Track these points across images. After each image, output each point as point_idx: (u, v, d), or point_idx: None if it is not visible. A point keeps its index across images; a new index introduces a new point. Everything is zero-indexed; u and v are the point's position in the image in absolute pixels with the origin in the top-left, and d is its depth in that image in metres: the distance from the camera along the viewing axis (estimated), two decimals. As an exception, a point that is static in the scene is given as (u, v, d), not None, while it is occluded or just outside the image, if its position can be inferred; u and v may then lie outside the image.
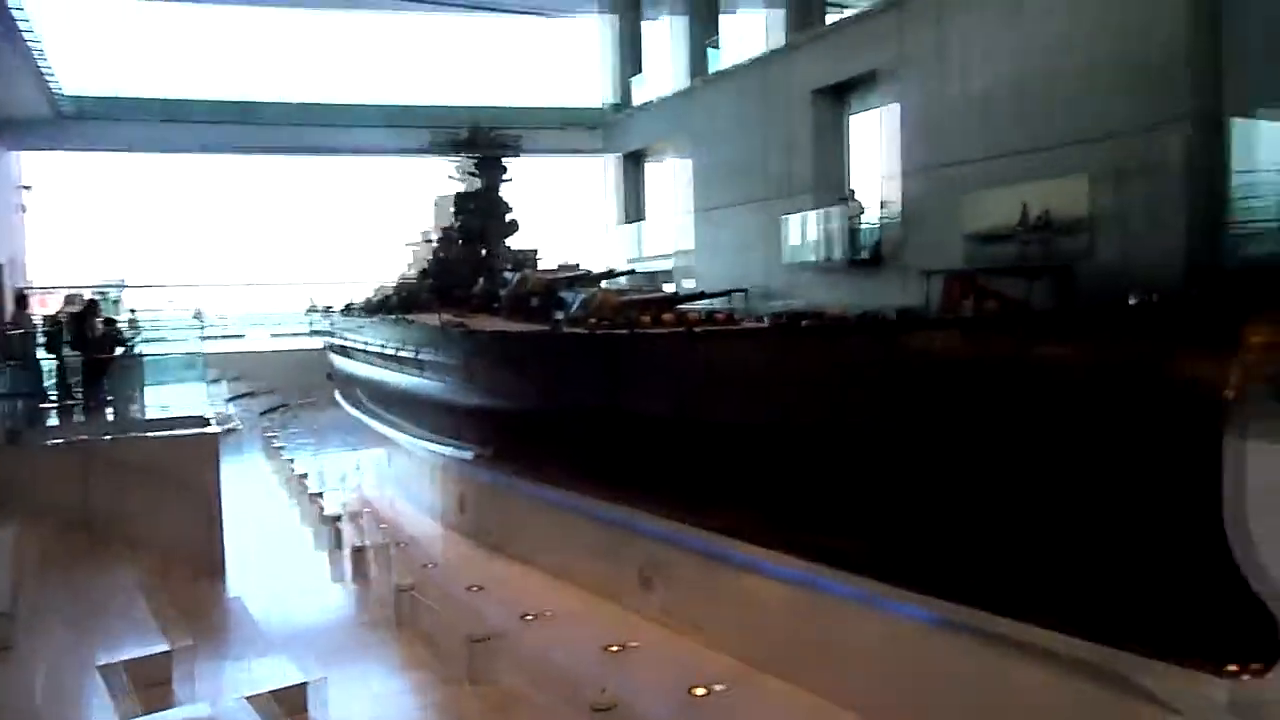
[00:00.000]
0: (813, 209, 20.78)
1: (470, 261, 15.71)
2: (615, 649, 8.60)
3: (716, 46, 26.33)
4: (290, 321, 30.48)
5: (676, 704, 7.58)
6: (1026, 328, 5.42)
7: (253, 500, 15.08)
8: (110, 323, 14.45)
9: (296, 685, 6.88)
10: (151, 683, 6.89)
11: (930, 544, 6.19)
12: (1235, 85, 13.26)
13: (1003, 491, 5.43)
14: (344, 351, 18.36)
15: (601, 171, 32.97)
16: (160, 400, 14.98)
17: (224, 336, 28.28)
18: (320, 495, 14.03)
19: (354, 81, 31.61)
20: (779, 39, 22.47)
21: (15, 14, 19.70)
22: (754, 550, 7.83)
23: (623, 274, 14.49)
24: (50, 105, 26.31)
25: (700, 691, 7.64)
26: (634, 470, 8.78)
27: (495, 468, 11.85)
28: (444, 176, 16.66)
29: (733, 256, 24.23)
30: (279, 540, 13.47)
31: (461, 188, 16.50)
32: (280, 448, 18.61)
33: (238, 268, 32.61)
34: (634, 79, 30.89)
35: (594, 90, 32.50)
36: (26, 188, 28.91)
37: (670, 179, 28.49)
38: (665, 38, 28.54)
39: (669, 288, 23.32)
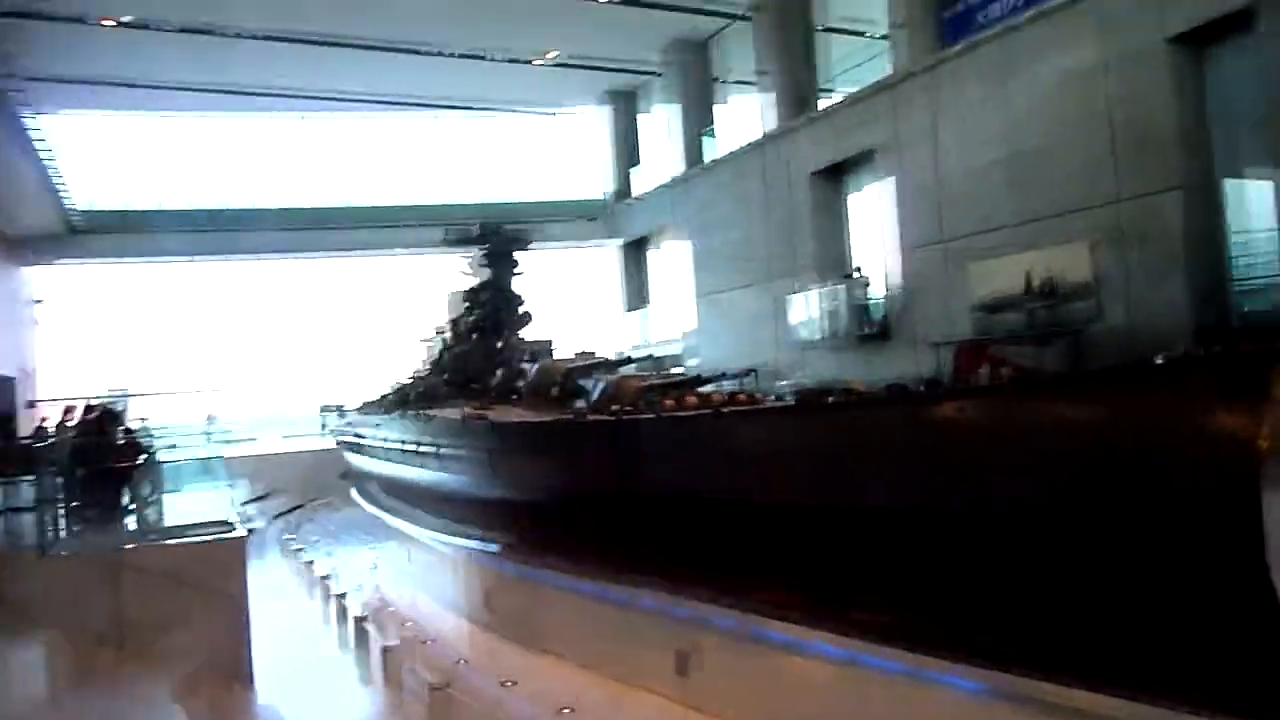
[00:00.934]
0: (817, 287, 21.11)
1: (486, 354, 15.91)
2: (657, 739, 8.45)
3: (712, 135, 27.10)
4: (301, 422, 30.63)
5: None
6: (1063, 390, 5.53)
7: (274, 603, 14.93)
8: (130, 430, 14.54)
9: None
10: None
11: (975, 611, 6.19)
12: (1225, 149, 13.68)
13: (1051, 554, 5.47)
14: (360, 449, 18.42)
15: (606, 260, 33.56)
16: (178, 507, 14.99)
17: (236, 440, 28.40)
18: (344, 595, 13.91)
19: (361, 183, 32.42)
20: (773, 123, 23.14)
21: (33, 133, 20.37)
22: (793, 629, 7.78)
23: (641, 359, 14.65)
24: (63, 220, 26.93)
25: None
26: (667, 553, 8.78)
27: (522, 559, 11.80)
28: (456, 272, 16.99)
29: (739, 337, 24.51)
30: (303, 643, 13.31)
31: (474, 282, 16.81)
32: (298, 549, 18.50)
33: (247, 372, 32.89)
34: (633, 169, 31.68)
35: (596, 181, 33.29)
36: (38, 301, 29.38)
37: (673, 264, 28.97)
38: (662, 128, 29.40)
39: (676, 371, 23.52)
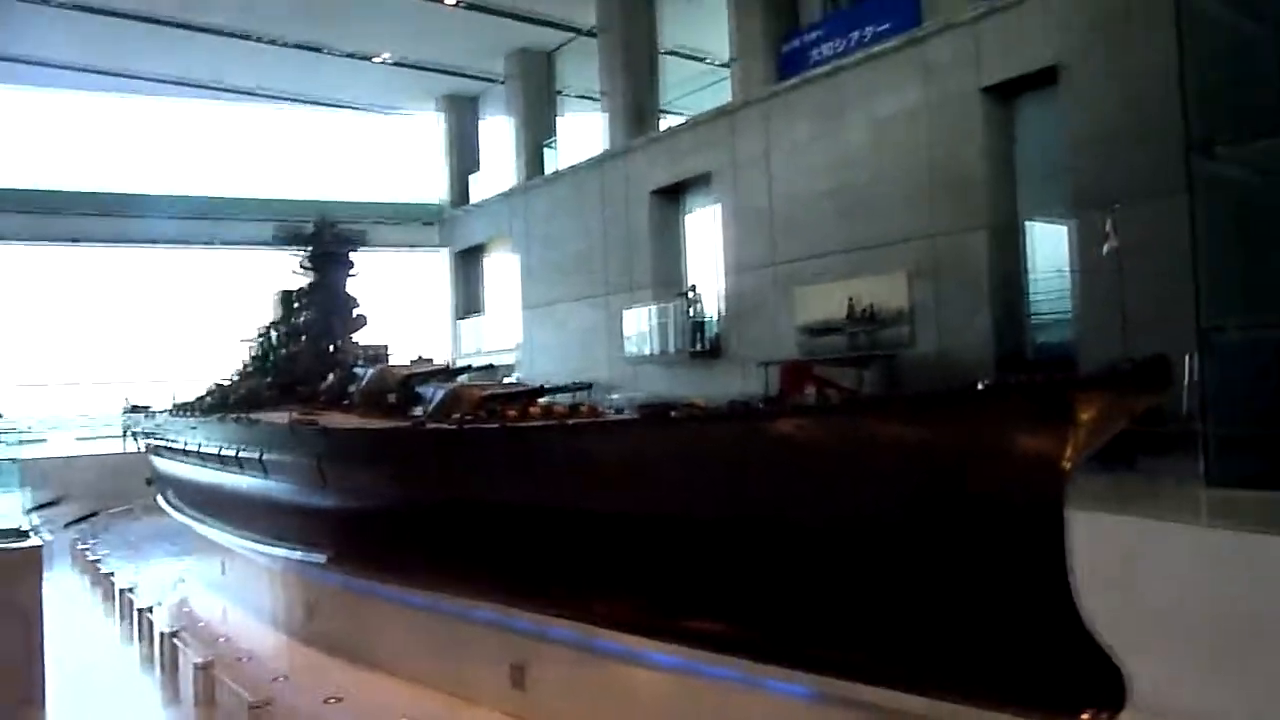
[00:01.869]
0: (652, 303, 21.56)
1: (317, 357, 15.30)
2: (491, 753, 8.39)
3: (554, 146, 27.22)
4: (99, 422, 28.40)
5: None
6: (895, 409, 5.93)
7: (67, 618, 13.79)
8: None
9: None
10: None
11: (804, 621, 6.51)
12: (1028, 193, 15.01)
13: (873, 565, 5.84)
14: (171, 453, 17.28)
15: (438, 266, 32.97)
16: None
17: (22, 441, 26.05)
18: (149, 610, 13.01)
19: (186, 171, 30.51)
20: (614, 140, 23.50)
21: None
22: (631, 640, 7.90)
23: (482, 368, 14.47)
24: None
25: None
26: (506, 565, 8.73)
27: (350, 570, 11.41)
28: (286, 271, 16.26)
29: (572, 350, 24.69)
30: (102, 661, 12.37)
31: (304, 281, 16.15)
32: (95, 560, 17.15)
33: (37, 366, 30.21)
34: (471, 175, 31.34)
35: (433, 186, 32.69)
36: None
37: (509, 274, 28.83)
38: (502, 136, 29.26)
39: (508, 380, 23.37)
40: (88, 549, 18.52)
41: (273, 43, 26.20)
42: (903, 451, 5.66)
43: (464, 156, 31.80)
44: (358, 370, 13.50)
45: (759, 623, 6.80)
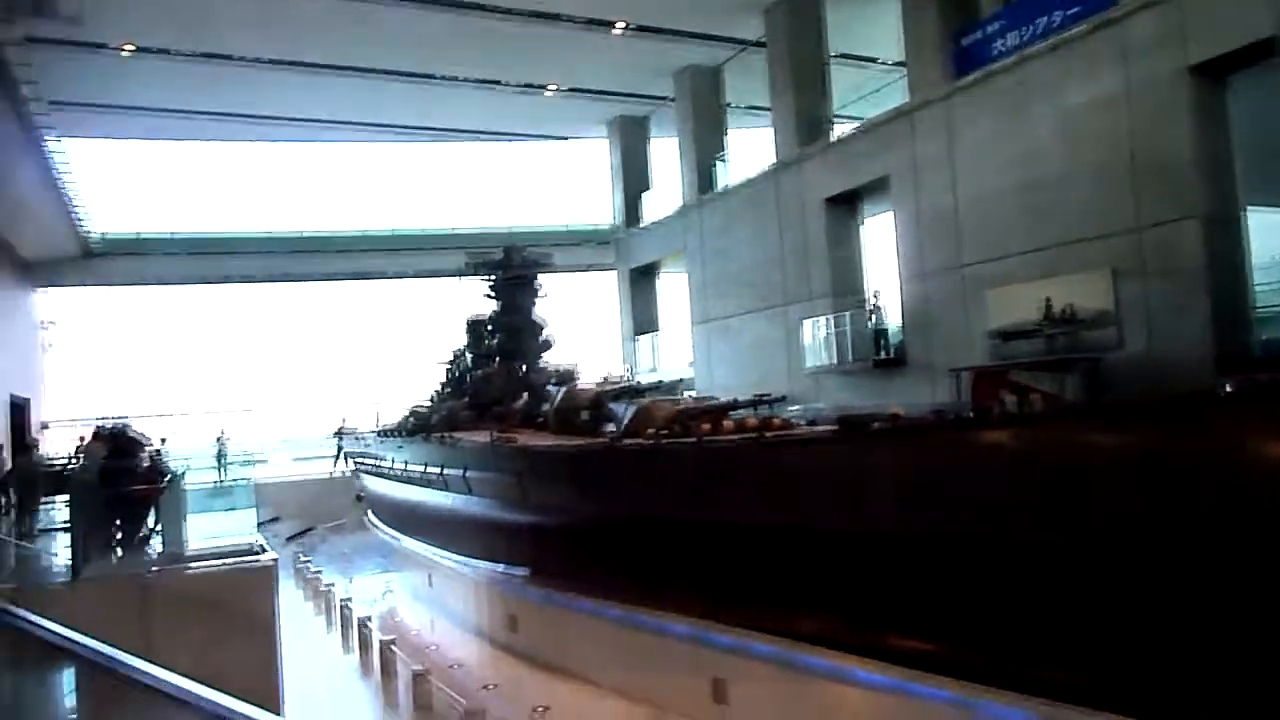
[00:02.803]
0: (831, 313, 21.18)
1: (509, 378, 15.95)
2: (697, 766, 8.40)
3: (724, 161, 27.27)
4: (309, 444, 30.61)
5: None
6: (1135, 418, 5.56)
7: (294, 627, 14.87)
8: (156, 454, 14.53)
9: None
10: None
11: (1027, 642, 6.19)
12: (1247, 177, 13.79)
13: (1103, 583, 5.48)
14: (379, 473, 18.39)
15: (609, 285, 33.65)
16: (196, 531, 14.93)
17: (246, 463, 28.35)
18: (368, 620, 13.86)
19: (375, 210, 32.66)
20: (785, 150, 23.30)
21: (55, 158, 20.49)
22: (836, 657, 7.75)
23: (651, 385, 14.66)
24: (80, 245, 27.04)
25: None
26: (705, 580, 8.77)
27: (551, 584, 11.77)
28: (477, 296, 17.05)
29: (750, 363, 24.56)
30: (327, 667, 13.28)
31: (494, 306, 16.87)
32: (317, 573, 18.45)
33: (256, 395, 32.94)
34: (643, 195, 31.84)
35: (605, 208, 33.47)
36: (51, 323, 29.45)
37: (683, 290, 29.03)
38: (672, 155, 29.56)
39: (690, 395, 23.52)
40: (308, 562, 19.95)
41: (453, 80, 27.58)
42: (1132, 462, 5.31)
43: (634, 177, 32.37)
44: (549, 390, 13.94)
45: (974, 642, 6.53)
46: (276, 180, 33.07)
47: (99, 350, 32.54)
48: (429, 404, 18.91)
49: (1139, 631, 5.50)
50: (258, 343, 33.44)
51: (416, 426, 17.75)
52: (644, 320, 32.40)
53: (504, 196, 33.45)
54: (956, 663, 6.64)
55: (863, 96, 23.01)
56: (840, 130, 22.78)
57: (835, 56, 23.77)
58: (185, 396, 32.20)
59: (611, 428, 11.42)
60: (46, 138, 20.11)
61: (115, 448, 14.10)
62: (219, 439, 30.01)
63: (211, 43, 22.89)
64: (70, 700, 8.59)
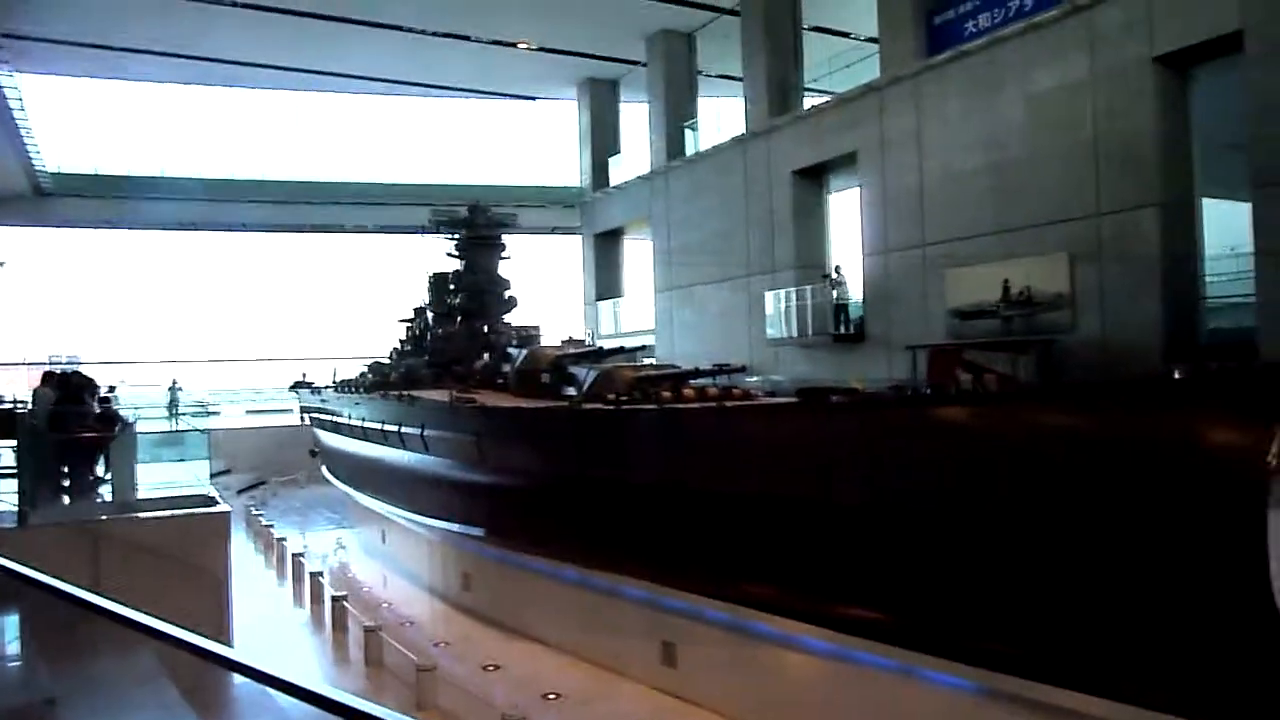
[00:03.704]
0: (794, 286, 21.32)
1: (471, 337, 15.88)
2: (645, 726, 8.58)
3: (695, 128, 27.18)
4: (266, 398, 30.29)
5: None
6: (1078, 400, 5.71)
7: (245, 580, 14.82)
8: (106, 400, 14.35)
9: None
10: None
11: (969, 612, 6.36)
12: (1205, 168, 14.08)
13: (1048, 561, 5.66)
14: (336, 428, 18.28)
15: (574, 248, 33.52)
16: (146, 479, 14.80)
17: (198, 414, 28.05)
18: (320, 574, 13.85)
19: (338, 161, 32.08)
20: (756, 120, 23.28)
21: (9, 93, 19.86)
22: (784, 624, 7.92)
23: (612, 351, 14.69)
24: (31, 182, 26.31)
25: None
26: (660, 544, 8.88)
27: (506, 545, 11.85)
28: (440, 253, 16.92)
29: (712, 332, 24.69)
30: (278, 621, 13.25)
31: (458, 264, 16.75)
32: (269, 525, 18.35)
33: (212, 345, 32.47)
34: (611, 159, 31.65)
35: (573, 169, 33.23)
36: (1, 264, 28.69)
37: (648, 256, 29.03)
38: (642, 120, 29.38)
39: (649, 362, 23.59)
40: (260, 514, 19.83)
41: (421, 33, 27.03)
42: (1086, 443, 5.46)
43: (603, 141, 32.15)
44: (511, 351, 13.92)
45: (917, 612, 6.71)
46: (241, 128, 32.38)
47: (52, 293, 31.86)
48: (389, 360, 18.79)
49: (1077, 607, 5.69)
50: (217, 292, 32.92)
51: (375, 383, 17.65)
52: (607, 285, 32.35)
53: (471, 154, 33.04)
54: (901, 632, 6.82)
55: (835, 71, 23.02)
56: (811, 103, 22.81)
57: (809, 29, 23.74)
58: (140, 344, 31.69)
59: (572, 391, 11.45)
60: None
61: (65, 393, 13.90)
62: (171, 388, 29.68)
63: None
64: (14, 647, 8.55)
